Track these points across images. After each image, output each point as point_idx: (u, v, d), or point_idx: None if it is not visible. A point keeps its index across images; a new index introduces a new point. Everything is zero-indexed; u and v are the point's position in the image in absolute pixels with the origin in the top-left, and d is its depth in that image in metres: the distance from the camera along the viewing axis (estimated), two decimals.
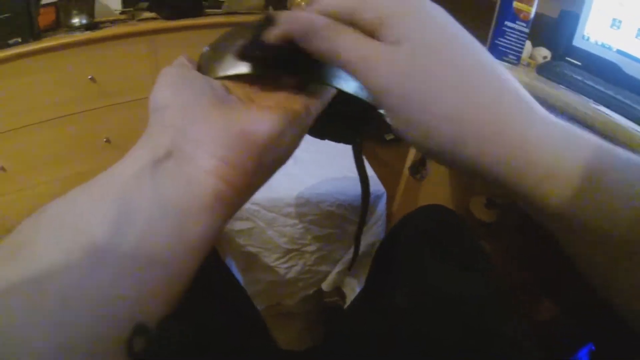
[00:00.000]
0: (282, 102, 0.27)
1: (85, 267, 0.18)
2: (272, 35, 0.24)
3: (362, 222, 0.63)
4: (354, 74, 0.22)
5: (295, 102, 0.27)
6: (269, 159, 0.25)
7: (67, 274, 0.17)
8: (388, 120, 0.35)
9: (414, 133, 0.22)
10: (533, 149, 0.20)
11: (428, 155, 0.23)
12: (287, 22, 0.24)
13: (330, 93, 0.30)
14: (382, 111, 0.35)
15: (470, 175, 0.22)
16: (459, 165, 0.22)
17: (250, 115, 0.24)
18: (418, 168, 0.43)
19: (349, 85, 0.30)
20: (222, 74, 0.28)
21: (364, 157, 0.54)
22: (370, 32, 0.22)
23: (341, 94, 0.30)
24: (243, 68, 0.28)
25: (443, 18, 0.23)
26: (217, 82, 0.27)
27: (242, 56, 0.28)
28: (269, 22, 0.25)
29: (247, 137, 0.23)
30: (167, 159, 0.22)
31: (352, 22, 0.23)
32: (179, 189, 0.21)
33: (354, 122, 0.48)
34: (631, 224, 0.18)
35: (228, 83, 0.28)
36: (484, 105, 0.20)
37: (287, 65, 0.28)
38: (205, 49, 0.31)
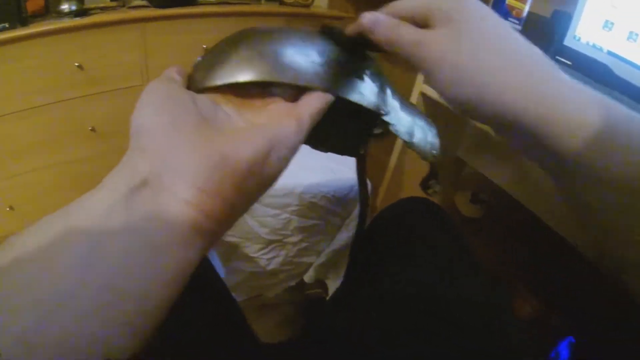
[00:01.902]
0: (274, 117, 0.27)
1: (49, 308, 0.17)
2: (349, 31, 0.30)
3: (359, 233, 0.63)
4: (408, 53, 0.27)
5: (287, 115, 0.27)
6: (252, 185, 0.24)
7: (29, 315, 0.17)
8: (392, 128, 0.36)
9: (454, 90, 0.26)
10: (554, 99, 0.23)
11: (463, 109, 0.27)
12: (362, 19, 0.29)
13: (326, 102, 0.29)
14: (386, 119, 0.35)
15: (499, 127, 0.26)
16: (482, 114, 0.26)
17: (231, 138, 0.24)
18: (429, 183, 0.42)
19: (349, 92, 0.31)
20: (213, 83, 0.28)
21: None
22: (423, 26, 0.27)
23: (342, 103, 0.30)
24: (239, 77, 0.28)
25: (486, 10, 0.27)
26: (205, 98, 0.27)
27: (239, 65, 0.28)
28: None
29: (228, 163, 0.22)
30: (143, 187, 0.21)
31: (411, 20, 0.28)
32: (154, 222, 0.20)
33: (357, 133, 0.48)
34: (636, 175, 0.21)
35: (218, 97, 0.28)
36: (523, 64, 0.25)
37: (284, 74, 0.28)
38: (199, 59, 0.31)
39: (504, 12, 0.91)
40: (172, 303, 0.21)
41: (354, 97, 0.31)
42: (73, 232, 0.19)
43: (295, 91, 0.29)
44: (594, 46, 0.85)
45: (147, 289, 0.19)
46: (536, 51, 0.26)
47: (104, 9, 1.33)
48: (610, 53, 0.82)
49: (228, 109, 0.27)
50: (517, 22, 0.91)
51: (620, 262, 0.24)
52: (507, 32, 0.26)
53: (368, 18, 0.29)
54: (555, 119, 0.23)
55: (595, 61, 0.84)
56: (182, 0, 1.38)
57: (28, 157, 1.29)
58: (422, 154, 0.39)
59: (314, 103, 0.28)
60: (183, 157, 0.22)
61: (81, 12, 1.27)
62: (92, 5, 1.32)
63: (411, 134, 0.37)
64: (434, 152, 0.39)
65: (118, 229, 0.19)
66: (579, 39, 0.88)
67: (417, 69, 0.27)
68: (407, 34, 0.27)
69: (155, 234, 0.20)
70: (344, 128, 0.43)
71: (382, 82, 0.35)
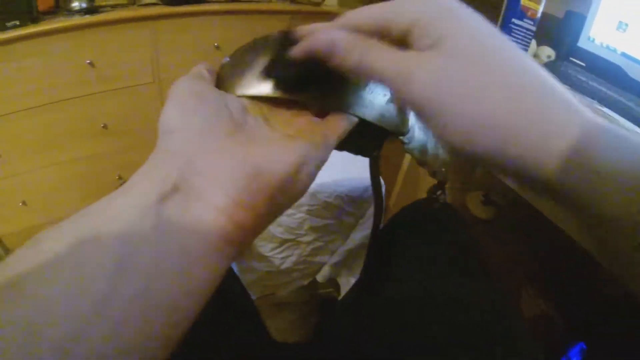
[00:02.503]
0: (302, 130, 0.26)
1: (87, 315, 0.16)
2: (296, 52, 0.24)
3: (374, 234, 0.63)
4: (389, 87, 0.22)
5: (315, 131, 0.26)
6: (282, 199, 0.23)
7: (67, 323, 0.16)
8: (405, 147, 0.35)
9: (457, 139, 0.21)
10: (593, 154, 0.18)
11: (470, 159, 0.22)
12: (310, 39, 0.23)
13: (351, 122, 0.29)
14: (402, 138, 0.35)
15: (508, 176, 0.21)
16: (501, 169, 0.21)
17: (266, 150, 0.23)
18: (437, 193, 0.43)
19: (371, 113, 0.30)
20: (243, 92, 0.27)
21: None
22: (401, 42, 0.22)
23: (362, 121, 0.29)
24: (265, 89, 0.27)
25: (478, 20, 0.22)
26: (236, 101, 0.26)
27: (268, 76, 0.27)
28: (288, 38, 0.25)
29: (262, 176, 0.21)
30: (175, 193, 0.20)
31: (381, 34, 0.22)
32: (186, 231, 0.20)
33: (373, 136, 0.48)
34: (620, 203, 0.18)
35: (246, 101, 0.27)
36: (529, 109, 0.19)
37: (310, 90, 0.27)
38: (226, 59, 0.30)
39: (519, 13, 0.91)
40: (198, 313, 0.20)
41: (376, 120, 0.30)
42: (103, 240, 0.18)
43: (321, 106, 0.29)
44: (607, 47, 0.85)
45: (178, 299, 0.19)
46: (556, 84, 0.20)
47: (114, 7, 1.32)
48: (624, 55, 0.82)
49: (257, 115, 0.26)
50: (532, 23, 0.90)
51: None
52: (514, 52, 0.21)
53: (322, 38, 0.23)
54: (592, 180, 0.18)
55: (608, 62, 0.84)
56: None
57: (41, 153, 1.30)
58: (430, 173, 0.38)
59: (341, 124, 0.28)
60: (215, 162, 0.21)
61: (92, 10, 1.26)
62: (103, 3, 1.31)
63: (423, 152, 0.37)
64: (444, 169, 0.39)
65: (150, 236, 0.19)
66: (592, 40, 0.88)
67: (404, 105, 0.23)
68: (384, 60, 0.21)
69: (187, 244, 0.19)
70: (360, 132, 0.44)
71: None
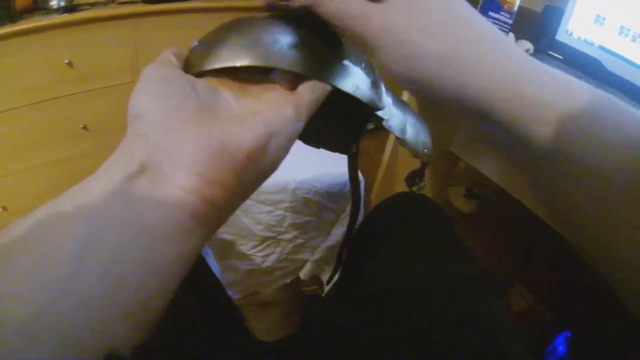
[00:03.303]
0: (272, 104, 0.27)
1: (50, 297, 0.16)
2: (295, 2, 0.27)
3: (350, 229, 0.63)
4: (357, 29, 0.25)
5: (286, 103, 0.26)
6: (252, 172, 0.23)
7: (31, 304, 0.16)
8: (385, 124, 0.36)
9: (400, 66, 0.24)
10: (517, 80, 0.22)
11: (415, 89, 0.25)
12: None
13: (323, 91, 0.29)
14: (379, 114, 0.35)
15: (452, 109, 0.25)
16: (440, 96, 0.24)
17: (231, 125, 0.23)
18: (415, 180, 0.43)
19: (346, 83, 0.30)
20: (212, 66, 0.27)
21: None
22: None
23: (337, 98, 0.29)
24: (233, 60, 0.27)
25: None
26: (203, 83, 0.26)
27: (238, 48, 0.27)
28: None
29: (228, 150, 0.22)
30: (141, 174, 0.20)
31: None
32: (152, 209, 0.20)
33: (350, 131, 0.48)
34: (619, 164, 0.19)
35: (215, 81, 0.27)
36: (472, 41, 0.23)
37: (280, 57, 0.28)
38: (194, 43, 0.31)
39: (496, 5, 0.91)
40: (172, 294, 0.20)
41: (351, 89, 0.30)
42: (70, 219, 0.19)
43: (293, 79, 0.29)
44: (585, 41, 0.86)
45: (146, 278, 0.19)
46: (498, 32, 0.24)
47: (93, 5, 1.31)
48: (601, 48, 0.82)
49: (226, 95, 0.27)
50: (509, 16, 0.91)
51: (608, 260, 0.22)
52: (465, 7, 0.25)
53: None
54: (521, 103, 0.22)
55: (586, 56, 0.85)
56: None
57: (19, 156, 1.28)
58: (413, 152, 0.38)
59: (312, 92, 0.28)
60: (182, 143, 0.22)
61: (70, 8, 1.25)
62: (82, 1, 1.30)
63: (403, 131, 0.37)
64: (426, 150, 0.39)
65: (116, 217, 0.19)
66: (570, 34, 0.89)
67: (368, 45, 0.26)
68: (354, 7, 0.25)
69: (154, 222, 0.20)
70: (336, 125, 0.43)
71: (376, 76, 0.34)
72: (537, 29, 0.97)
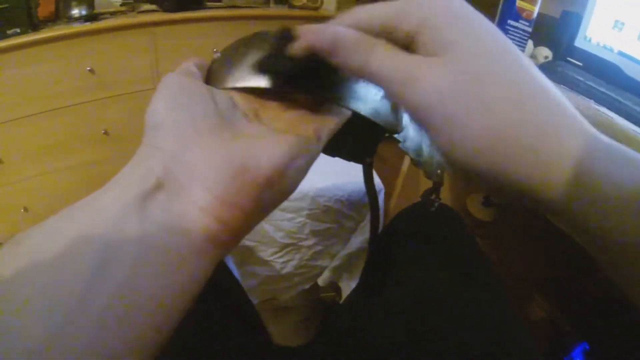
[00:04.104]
0: (293, 124, 0.25)
1: (64, 316, 0.16)
2: (296, 48, 0.23)
3: (372, 239, 0.62)
4: (390, 92, 0.21)
5: (306, 125, 0.25)
6: (270, 196, 0.22)
7: (41, 324, 0.15)
8: (401, 146, 0.34)
9: (461, 154, 0.19)
10: (597, 178, 0.17)
11: (473, 176, 0.20)
12: (313, 35, 0.22)
13: (344, 116, 0.28)
14: (397, 137, 0.34)
15: (508, 198, 0.20)
16: (503, 189, 0.19)
17: (252, 145, 0.22)
18: (431, 197, 0.43)
19: (366, 108, 0.29)
20: (233, 85, 0.27)
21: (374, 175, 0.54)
22: (407, 44, 0.21)
23: (356, 115, 0.29)
24: (257, 81, 0.26)
25: (488, 25, 0.20)
26: (223, 95, 0.25)
27: (261, 69, 0.26)
28: (288, 35, 0.24)
29: (248, 174, 0.21)
30: (157, 190, 0.19)
31: (386, 34, 0.21)
32: (168, 228, 0.19)
33: (366, 141, 0.47)
34: (622, 223, 0.17)
35: (236, 94, 0.26)
36: (541, 123, 0.18)
37: (304, 82, 0.26)
38: (217, 54, 0.30)
39: (515, 14, 0.91)
40: (183, 315, 0.20)
41: (371, 114, 0.30)
42: (84, 237, 0.18)
43: (314, 100, 0.28)
44: (604, 47, 0.85)
45: (160, 300, 0.18)
46: (556, 91, 0.20)
47: (113, 14, 1.33)
48: (620, 53, 0.81)
49: (246, 109, 0.26)
50: (528, 24, 0.90)
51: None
52: (524, 61, 0.20)
53: (327, 34, 0.22)
54: (605, 207, 0.18)
55: (606, 62, 0.84)
56: (191, 4, 1.39)
57: (42, 159, 1.31)
58: (427, 174, 0.38)
59: (333, 117, 0.27)
60: (201, 159, 0.20)
61: (91, 17, 1.27)
62: (102, 10, 1.33)
63: (419, 153, 0.37)
64: (439, 171, 0.39)
65: (131, 236, 0.18)
66: (589, 40, 0.88)
67: (405, 110, 0.21)
68: (389, 62, 0.20)
69: (169, 242, 0.19)
70: (352, 135, 0.44)
71: None
72: (555, 36, 0.96)
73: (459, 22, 0.20)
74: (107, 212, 0.19)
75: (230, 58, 0.28)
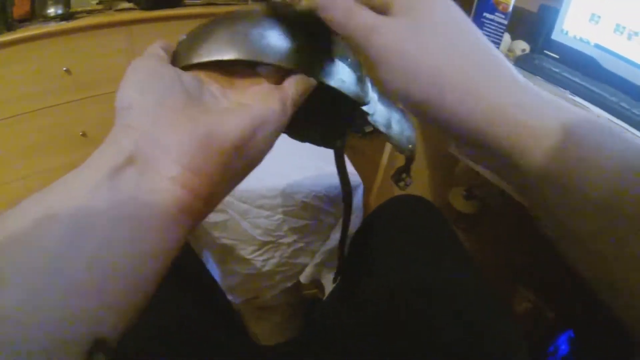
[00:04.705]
0: (258, 96, 0.27)
1: (36, 286, 0.17)
2: (303, 4, 0.27)
3: (345, 229, 0.63)
4: (360, 41, 0.25)
5: (271, 97, 0.27)
6: (238, 164, 0.24)
7: (15, 293, 0.17)
8: (370, 119, 0.36)
9: (402, 81, 0.24)
10: (516, 109, 0.21)
11: (412, 108, 0.25)
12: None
13: (309, 86, 0.29)
14: (365, 109, 0.35)
15: (448, 132, 0.24)
16: (436, 117, 0.24)
17: (217, 117, 0.24)
18: (401, 176, 0.43)
19: (332, 79, 0.30)
20: (199, 60, 0.28)
21: (345, 158, 0.54)
22: (383, 13, 0.25)
23: (323, 92, 0.30)
24: (220, 54, 0.28)
25: (451, 3, 0.25)
26: (189, 76, 0.27)
27: (223, 42, 0.28)
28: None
29: (214, 142, 0.22)
30: (128, 165, 0.21)
31: (370, 5, 0.26)
32: (138, 199, 0.20)
33: (335, 125, 0.49)
34: (610, 187, 0.18)
35: (202, 74, 0.28)
36: (486, 68, 0.23)
37: (266, 51, 0.28)
38: (183, 37, 0.31)
39: (491, 6, 0.91)
40: (158, 281, 0.21)
41: (336, 84, 0.31)
42: (56, 211, 0.19)
43: (279, 73, 0.29)
44: (581, 39, 0.86)
45: (133, 266, 0.19)
46: (499, 55, 0.24)
47: (90, 12, 1.32)
48: (597, 46, 0.82)
49: (213, 88, 0.27)
50: (504, 17, 0.91)
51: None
52: (472, 30, 0.25)
53: None
54: (517, 132, 0.21)
55: (583, 54, 0.85)
56: (168, 1, 1.38)
57: (19, 164, 1.29)
58: (398, 147, 0.39)
59: (298, 86, 0.29)
60: (169, 134, 0.22)
61: (67, 16, 1.26)
62: (79, 9, 1.31)
63: (388, 126, 0.38)
64: (410, 145, 0.40)
65: (102, 209, 0.19)
66: (566, 33, 0.89)
67: (369, 58, 0.25)
68: (362, 18, 0.25)
69: (140, 212, 0.20)
70: (322, 119, 0.44)
71: (362, 72, 0.35)
72: (533, 29, 0.97)
73: None
74: (78, 188, 0.20)
75: (195, 38, 0.30)
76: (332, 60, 0.31)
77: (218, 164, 0.23)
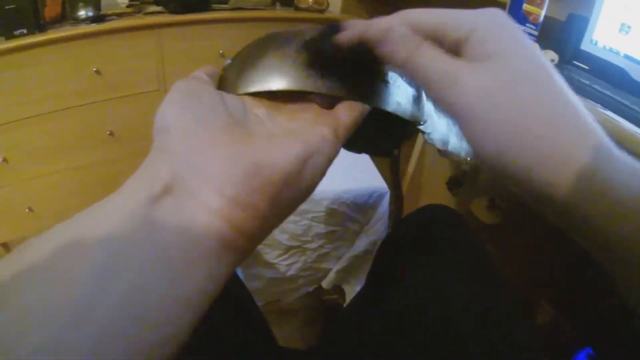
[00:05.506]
0: (308, 122, 0.25)
1: (61, 328, 0.15)
2: (346, 37, 0.24)
3: (389, 236, 0.61)
4: (430, 89, 0.22)
5: (323, 125, 0.24)
6: (287, 197, 0.21)
7: (40, 334, 0.14)
8: (427, 137, 0.34)
9: (491, 147, 0.21)
10: (607, 189, 0.19)
11: (499, 169, 0.22)
12: (365, 26, 0.23)
13: (361, 113, 0.27)
14: (421, 128, 0.34)
15: (521, 191, 0.21)
16: (520, 184, 0.21)
17: (266, 145, 0.21)
18: (456, 184, 0.42)
19: (386, 102, 0.29)
20: (245, 90, 0.26)
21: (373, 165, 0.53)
22: (453, 51, 0.22)
23: (376, 111, 0.28)
24: (269, 84, 0.26)
25: (528, 41, 0.22)
26: (234, 99, 0.24)
27: (271, 71, 0.26)
28: (334, 29, 0.25)
29: (262, 171, 0.20)
30: (165, 195, 0.19)
31: (435, 38, 0.22)
32: (177, 234, 0.18)
33: (392, 134, 0.46)
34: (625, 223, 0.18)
35: (248, 99, 0.26)
36: (563, 131, 0.20)
37: (318, 80, 0.26)
38: (228, 61, 0.30)
39: (521, 18, 0.91)
40: (195, 327, 0.18)
41: (392, 108, 0.29)
42: (87, 241, 0.17)
43: (330, 98, 0.27)
44: (610, 50, 0.85)
45: (167, 312, 0.17)
46: (581, 106, 0.21)
47: (120, 15, 1.34)
48: (627, 57, 0.81)
49: (259, 112, 0.25)
50: (535, 27, 0.91)
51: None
52: (556, 77, 0.21)
53: (380, 25, 0.23)
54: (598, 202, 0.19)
55: (612, 65, 0.84)
56: (196, 6, 1.40)
57: (47, 160, 1.31)
58: (458, 162, 0.38)
59: (351, 113, 0.26)
60: (211, 160, 0.20)
61: (98, 18, 1.28)
62: (109, 12, 1.33)
63: (446, 142, 0.36)
64: (469, 158, 0.38)
65: (136, 242, 0.17)
66: (595, 43, 0.88)
67: (449, 113, 0.22)
68: (431, 61, 0.22)
69: (178, 249, 0.18)
70: (377, 129, 0.43)
71: (417, 87, 0.33)
72: (562, 39, 0.96)
73: (505, 36, 0.21)
74: (112, 218, 0.18)
75: (241, 64, 0.28)
76: (386, 81, 0.29)
77: (265, 196, 0.20)
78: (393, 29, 0.22)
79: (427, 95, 0.24)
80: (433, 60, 0.22)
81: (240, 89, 0.26)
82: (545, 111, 0.20)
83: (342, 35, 0.24)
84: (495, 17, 0.22)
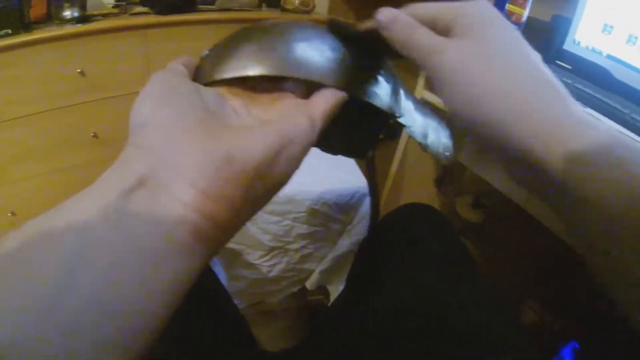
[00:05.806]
0: (284, 112, 0.26)
1: (29, 321, 0.15)
2: (363, 25, 0.28)
3: (368, 237, 0.61)
4: (421, 58, 0.25)
5: (299, 112, 0.25)
6: (261, 187, 0.21)
7: (6, 328, 0.15)
8: (408, 130, 0.36)
9: (463, 104, 0.24)
10: (565, 131, 0.21)
11: (475, 130, 0.24)
12: (378, 14, 0.27)
13: (339, 100, 0.28)
14: (402, 121, 0.35)
15: (504, 153, 0.24)
16: (497, 141, 0.23)
17: (239, 135, 0.21)
18: (443, 181, 0.43)
19: (362, 90, 0.29)
20: (222, 76, 0.27)
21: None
22: (444, 34, 0.26)
23: (354, 104, 0.29)
24: (245, 70, 0.26)
25: (510, 26, 0.26)
26: (211, 91, 0.25)
27: (249, 59, 0.27)
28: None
29: (235, 162, 0.20)
30: (138, 188, 0.19)
31: (430, 24, 0.26)
32: (149, 226, 0.18)
33: (367, 136, 0.48)
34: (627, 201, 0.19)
35: (225, 91, 0.26)
36: (534, 88, 0.23)
37: (293, 67, 0.27)
38: (205, 52, 0.30)
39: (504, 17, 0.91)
40: (168, 319, 0.19)
41: (369, 97, 0.29)
42: (58, 234, 0.17)
43: (306, 87, 0.27)
44: (593, 50, 0.85)
45: (139, 304, 0.17)
46: (554, 78, 0.24)
47: (105, 16, 1.34)
48: (609, 57, 0.82)
49: (235, 104, 0.26)
50: (517, 27, 0.91)
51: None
52: (532, 53, 0.24)
53: (385, 14, 0.26)
54: (562, 156, 0.21)
55: (595, 65, 0.85)
56: (183, 7, 1.39)
57: (30, 162, 1.30)
58: (436, 156, 0.38)
59: (327, 101, 0.27)
60: (184, 154, 0.20)
61: (83, 19, 1.28)
62: (94, 12, 1.33)
63: (425, 136, 0.36)
64: (447, 153, 0.39)
65: (108, 234, 0.17)
66: (578, 43, 0.89)
67: (429, 79, 0.26)
68: (424, 39, 0.25)
69: (150, 240, 0.18)
70: (353, 129, 0.43)
71: (396, 82, 0.34)
72: (545, 39, 0.97)
73: (486, 20, 0.25)
74: (84, 210, 0.18)
75: (218, 53, 0.29)
76: (363, 72, 0.30)
77: (239, 188, 0.20)
78: (399, 16, 0.26)
79: (419, 64, 0.26)
80: (425, 38, 0.25)
81: (217, 76, 0.27)
82: (514, 73, 0.23)
83: (361, 25, 0.28)
84: (479, 6, 0.25)
